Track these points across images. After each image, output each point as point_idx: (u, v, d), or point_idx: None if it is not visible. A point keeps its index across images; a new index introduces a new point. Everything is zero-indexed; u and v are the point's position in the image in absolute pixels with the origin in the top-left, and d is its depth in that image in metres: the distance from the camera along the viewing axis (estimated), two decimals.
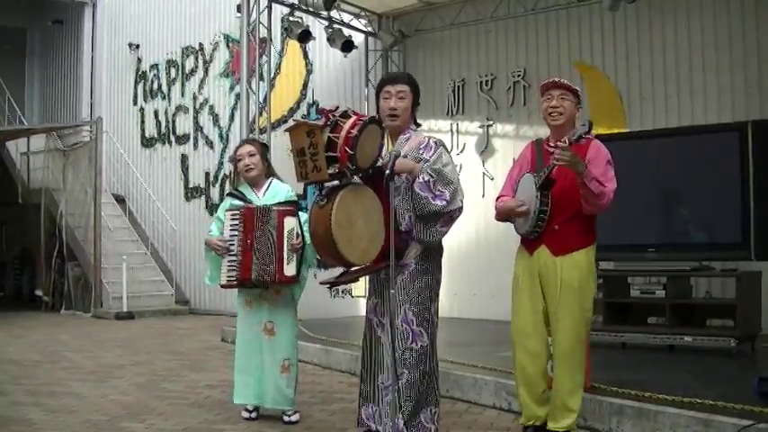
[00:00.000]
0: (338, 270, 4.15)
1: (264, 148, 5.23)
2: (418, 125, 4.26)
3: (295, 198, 5.07)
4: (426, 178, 3.90)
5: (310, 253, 4.86)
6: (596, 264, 4.38)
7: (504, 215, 4.40)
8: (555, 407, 4.23)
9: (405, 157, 4.00)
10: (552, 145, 4.18)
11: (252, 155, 5.03)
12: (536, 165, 4.29)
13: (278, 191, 5.06)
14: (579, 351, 4.20)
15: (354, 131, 3.67)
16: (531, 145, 4.49)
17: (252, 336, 5.03)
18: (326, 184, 3.88)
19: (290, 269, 4.80)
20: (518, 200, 4.29)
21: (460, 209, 4.02)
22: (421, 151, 4.03)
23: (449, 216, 3.97)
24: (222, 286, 4.93)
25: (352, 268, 3.98)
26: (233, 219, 4.85)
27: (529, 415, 4.35)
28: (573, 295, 4.13)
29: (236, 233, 4.81)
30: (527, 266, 4.30)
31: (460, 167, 10.12)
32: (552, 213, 4.15)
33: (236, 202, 5.03)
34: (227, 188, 12.77)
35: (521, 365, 4.34)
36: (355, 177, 3.92)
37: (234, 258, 4.81)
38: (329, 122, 3.73)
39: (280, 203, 4.93)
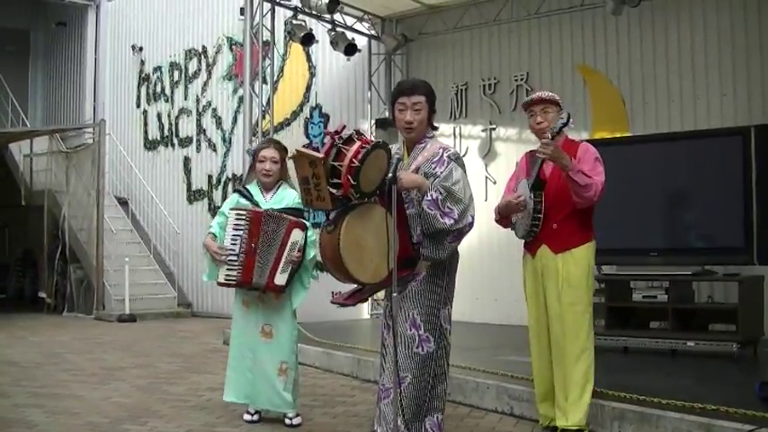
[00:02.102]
0: (342, 284, 4.14)
1: (285, 153, 5.17)
2: (435, 128, 4.18)
3: (300, 206, 4.97)
4: (435, 196, 3.81)
5: (310, 268, 4.99)
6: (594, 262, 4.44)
7: (503, 212, 4.48)
8: (559, 405, 4.26)
9: (417, 170, 3.95)
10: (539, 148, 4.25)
11: (275, 162, 5.04)
12: (530, 171, 4.40)
13: (284, 196, 5.08)
14: (580, 347, 4.23)
15: (356, 162, 3.61)
16: (525, 156, 4.62)
17: (247, 338, 5.04)
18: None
19: (280, 278, 4.83)
20: (514, 193, 4.40)
21: (471, 224, 3.94)
22: (433, 166, 3.92)
23: (458, 232, 3.89)
24: (219, 284, 4.93)
25: (365, 287, 3.99)
26: (238, 218, 4.86)
27: (543, 415, 4.47)
28: (573, 290, 4.22)
29: (239, 233, 4.83)
30: (531, 268, 4.41)
31: None
32: (550, 213, 4.27)
33: (243, 201, 5.05)
34: (236, 185, 12.86)
35: (533, 366, 4.46)
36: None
37: (234, 259, 4.83)
38: (333, 146, 3.68)
39: (286, 210, 4.95)
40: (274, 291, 4.90)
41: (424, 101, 4.00)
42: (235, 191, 5.29)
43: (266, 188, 5.10)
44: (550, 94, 4.45)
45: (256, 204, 5.00)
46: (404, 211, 3.91)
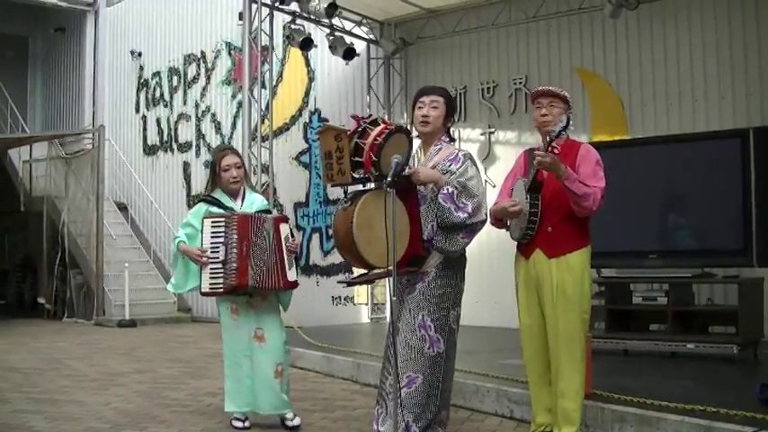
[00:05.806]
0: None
1: (241, 158, 5.31)
2: (452, 139, 4.38)
3: (269, 208, 5.25)
4: (450, 190, 3.99)
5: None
6: (590, 267, 4.35)
7: (497, 216, 4.39)
8: (557, 414, 4.22)
9: (433, 167, 4.12)
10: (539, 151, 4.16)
11: (239, 167, 5.08)
12: (528, 172, 4.30)
13: (254, 200, 5.16)
14: (577, 354, 4.18)
15: (380, 139, 3.81)
16: (523, 153, 4.52)
17: (241, 345, 5.00)
18: (350, 189, 3.99)
19: (291, 274, 4.95)
20: (510, 200, 4.31)
21: (483, 221, 4.11)
22: (449, 163, 4.12)
23: (471, 228, 4.06)
24: (203, 294, 4.95)
25: (372, 271, 4.03)
26: (216, 225, 4.84)
27: (537, 422, 4.37)
28: (568, 299, 4.13)
29: (220, 240, 4.80)
30: (525, 271, 4.31)
31: None
32: (545, 215, 4.17)
33: (214, 208, 5.02)
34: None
35: (528, 371, 4.39)
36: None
37: (218, 266, 4.80)
38: (359, 128, 3.88)
39: (259, 212, 5.02)
40: (289, 288, 4.99)
41: (442, 101, 4.25)
42: (200, 200, 5.25)
43: (233, 195, 5.11)
44: (560, 89, 4.33)
45: (231, 210, 4.99)
46: (417, 208, 4.05)
